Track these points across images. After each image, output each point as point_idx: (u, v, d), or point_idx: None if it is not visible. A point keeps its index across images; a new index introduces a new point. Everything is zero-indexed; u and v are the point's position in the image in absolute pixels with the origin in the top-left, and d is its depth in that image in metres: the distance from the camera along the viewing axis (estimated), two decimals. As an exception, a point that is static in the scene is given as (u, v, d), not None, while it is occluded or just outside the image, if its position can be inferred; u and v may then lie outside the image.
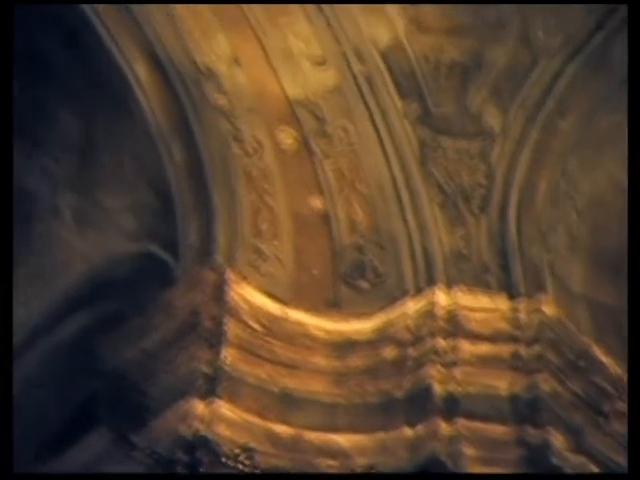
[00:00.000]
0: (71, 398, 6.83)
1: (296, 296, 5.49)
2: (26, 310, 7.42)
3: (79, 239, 7.23)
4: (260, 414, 4.99)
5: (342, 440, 5.01)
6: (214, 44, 6.25)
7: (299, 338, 5.25)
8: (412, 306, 5.38)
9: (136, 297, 6.31)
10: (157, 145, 6.16)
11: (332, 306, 5.55)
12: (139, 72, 6.16)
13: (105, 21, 6.19)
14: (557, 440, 4.98)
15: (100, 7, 6.16)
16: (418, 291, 5.54)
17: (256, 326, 5.15)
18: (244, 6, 6.38)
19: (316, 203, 6.02)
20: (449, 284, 5.54)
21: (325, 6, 6.41)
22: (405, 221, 5.93)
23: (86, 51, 6.45)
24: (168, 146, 6.09)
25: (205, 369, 4.98)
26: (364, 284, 5.69)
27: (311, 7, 6.43)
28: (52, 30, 6.55)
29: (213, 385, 4.91)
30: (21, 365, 7.45)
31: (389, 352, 5.30)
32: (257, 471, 4.84)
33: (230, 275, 5.19)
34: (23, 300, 7.44)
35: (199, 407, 4.83)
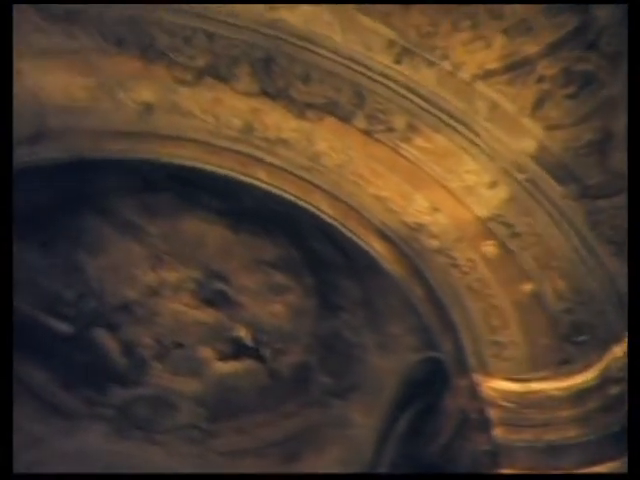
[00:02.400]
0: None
1: (534, 366, 5.75)
2: (368, 417, 8.21)
3: (385, 360, 7.99)
4: (534, 468, 5.27)
5: (602, 469, 5.16)
6: (415, 204, 6.76)
7: (544, 402, 5.48)
8: (619, 351, 5.47)
9: (437, 392, 6.85)
10: (404, 288, 6.75)
11: (563, 364, 5.74)
12: (374, 245, 6.82)
13: (340, 220, 6.96)
14: None
15: (330, 211, 6.94)
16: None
17: (510, 405, 5.46)
18: (425, 167, 6.90)
19: (527, 288, 6.24)
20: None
21: (480, 142, 6.76)
22: (594, 276, 6.03)
23: (344, 243, 7.24)
24: (411, 288, 6.66)
25: (486, 448, 5.36)
26: (582, 338, 5.84)
27: (472, 148, 6.80)
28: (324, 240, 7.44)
29: (495, 458, 5.27)
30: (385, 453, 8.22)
31: (613, 390, 5.41)
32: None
33: (479, 377, 5.59)
34: (365, 411, 8.25)
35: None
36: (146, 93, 6.59)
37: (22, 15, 6.19)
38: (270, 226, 7.74)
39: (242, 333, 8.59)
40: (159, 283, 8.39)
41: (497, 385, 5.53)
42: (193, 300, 8.50)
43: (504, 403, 5.47)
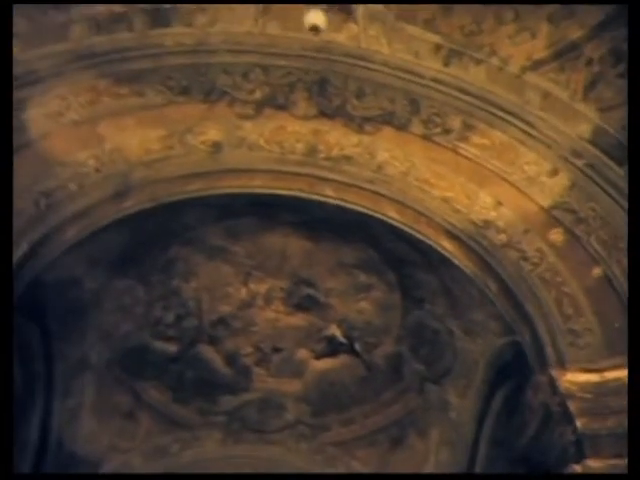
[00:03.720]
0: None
1: (611, 351, 5.98)
2: (464, 399, 8.63)
3: (472, 344, 8.40)
4: (620, 454, 5.54)
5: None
6: (479, 201, 7.03)
7: (621, 389, 5.71)
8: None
9: (523, 373, 7.17)
10: (477, 283, 7.08)
11: (639, 347, 5.95)
12: (445, 245, 7.16)
13: (409, 224, 7.32)
14: None
15: (400, 217, 7.29)
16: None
17: (588, 396, 5.74)
18: (485, 163, 7.13)
19: (597, 272, 6.45)
20: None
21: (536, 133, 6.95)
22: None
23: (417, 242, 7.54)
24: (485, 283, 6.98)
25: (572, 439, 5.67)
26: (656, 318, 5.99)
27: (528, 139, 6.98)
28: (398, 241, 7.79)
29: (580, 447, 5.58)
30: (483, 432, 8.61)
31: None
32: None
33: (556, 372, 5.87)
34: (460, 393, 8.66)
35: (576, 468, 5.54)
36: (213, 133, 7.08)
37: (91, 83, 6.75)
38: (346, 233, 8.17)
39: (335, 331, 9.11)
40: (251, 296, 8.99)
41: (574, 378, 5.80)
42: (285, 307, 9.07)
43: (583, 394, 5.74)
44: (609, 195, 6.61)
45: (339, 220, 7.80)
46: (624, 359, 5.76)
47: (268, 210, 7.90)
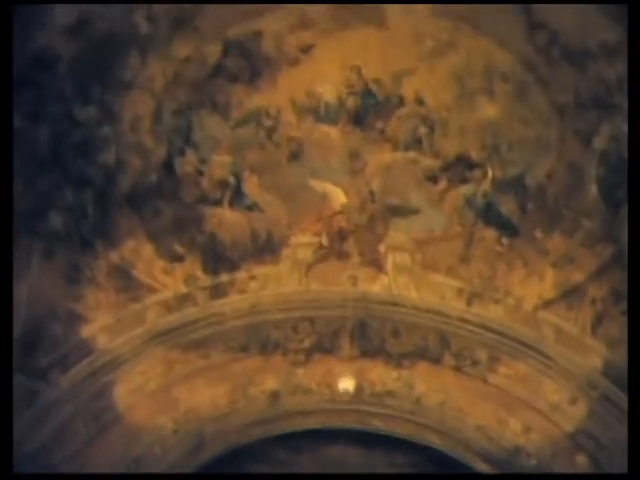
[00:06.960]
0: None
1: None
2: None
3: None
4: None
5: None
6: (510, 428, 8.00)
7: None
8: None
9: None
10: None
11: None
12: (482, 468, 8.11)
13: (449, 448, 8.34)
14: None
15: (440, 442, 8.32)
16: None
17: None
18: (512, 391, 8.12)
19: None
20: None
21: (553, 364, 7.92)
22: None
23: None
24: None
25: None
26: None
27: (547, 370, 7.95)
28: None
29: None
30: None
31: None
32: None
33: None
34: None
35: None
36: (271, 382, 8.31)
37: (165, 355, 8.07)
38: (397, 443, 9.23)
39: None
40: (315, 496, 10.05)
41: None
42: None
43: None
44: (625, 425, 7.51)
45: (389, 436, 8.89)
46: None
47: (325, 431, 9.02)
